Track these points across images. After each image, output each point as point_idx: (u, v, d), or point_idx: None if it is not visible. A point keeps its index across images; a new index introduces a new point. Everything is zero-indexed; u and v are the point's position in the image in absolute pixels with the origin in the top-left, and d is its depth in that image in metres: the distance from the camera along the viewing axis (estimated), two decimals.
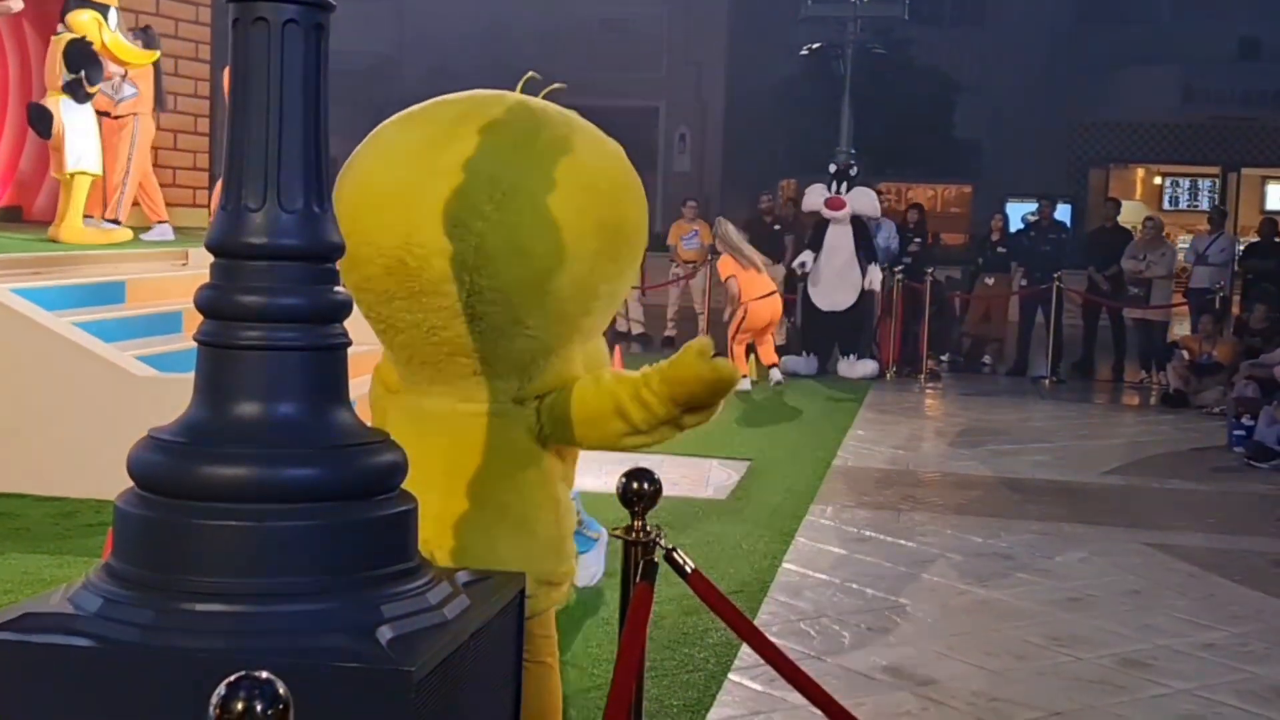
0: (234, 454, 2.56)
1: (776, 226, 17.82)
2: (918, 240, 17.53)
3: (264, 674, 1.59)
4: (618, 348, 15.91)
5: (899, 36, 22.52)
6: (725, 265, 13.48)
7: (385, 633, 2.47)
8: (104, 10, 9.81)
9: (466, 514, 3.09)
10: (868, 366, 15.24)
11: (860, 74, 16.68)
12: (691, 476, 9.24)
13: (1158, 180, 31.72)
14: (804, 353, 15.51)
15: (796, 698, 4.96)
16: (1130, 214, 21.12)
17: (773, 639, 5.30)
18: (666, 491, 8.27)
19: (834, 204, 15.18)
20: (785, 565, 7.11)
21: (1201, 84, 29.26)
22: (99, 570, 2.61)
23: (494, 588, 2.89)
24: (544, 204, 3.03)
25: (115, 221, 10.15)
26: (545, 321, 3.07)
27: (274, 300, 2.61)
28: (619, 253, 3.21)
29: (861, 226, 15.38)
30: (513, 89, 3.31)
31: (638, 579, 3.01)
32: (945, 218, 24.78)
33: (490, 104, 3.18)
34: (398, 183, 3.05)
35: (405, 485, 2.68)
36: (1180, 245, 19.91)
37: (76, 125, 9.37)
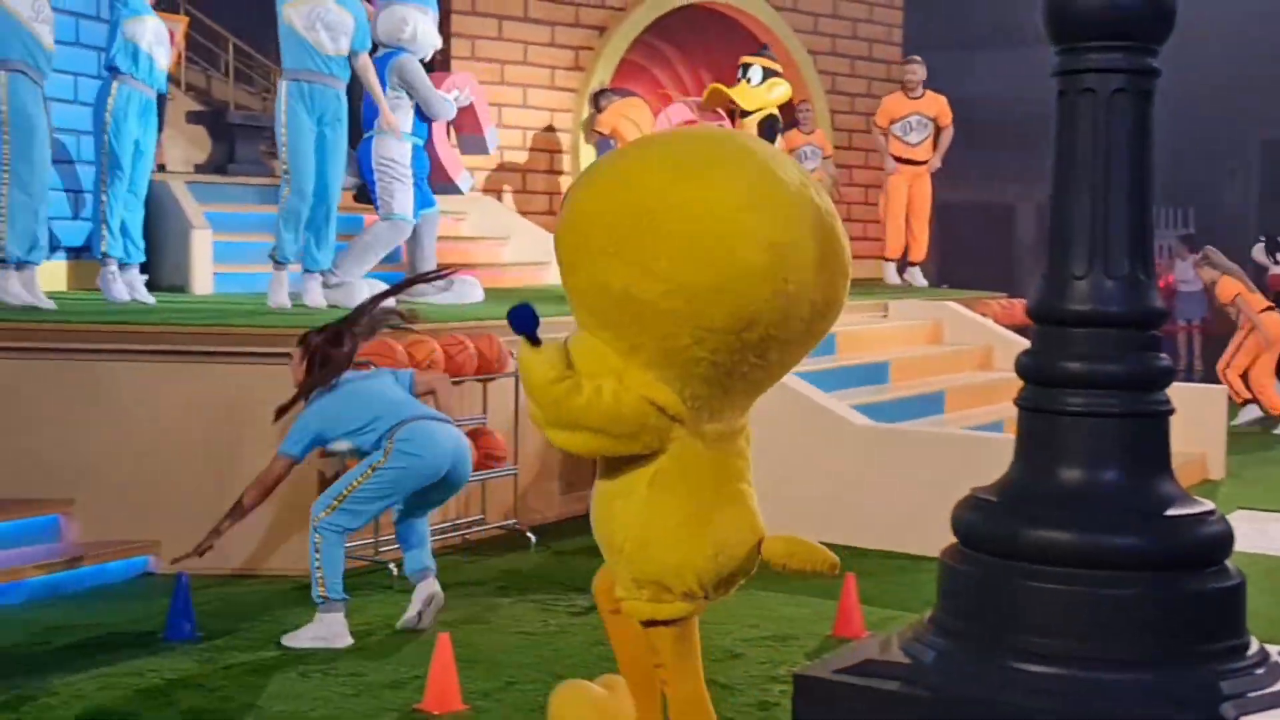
0: (1058, 518, 2.61)
1: None
2: None
3: None
4: None
5: None
6: (1226, 287, 12.13)
7: (1229, 710, 2.41)
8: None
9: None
10: None
11: None
12: None
13: None
14: None
15: None
16: None
17: None
18: None
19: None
20: None
21: None
22: (926, 623, 2.75)
23: None
24: None
25: None
26: None
27: (1096, 366, 2.64)
28: None
29: None
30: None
31: None
32: None
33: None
34: (829, 231, 2.88)
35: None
36: None
37: None
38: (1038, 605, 2.58)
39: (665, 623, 3.02)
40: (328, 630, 4.64)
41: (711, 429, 3.00)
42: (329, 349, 4.69)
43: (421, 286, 7.12)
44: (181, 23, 9.51)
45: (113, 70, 6.66)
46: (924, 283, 11.16)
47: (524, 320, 2.93)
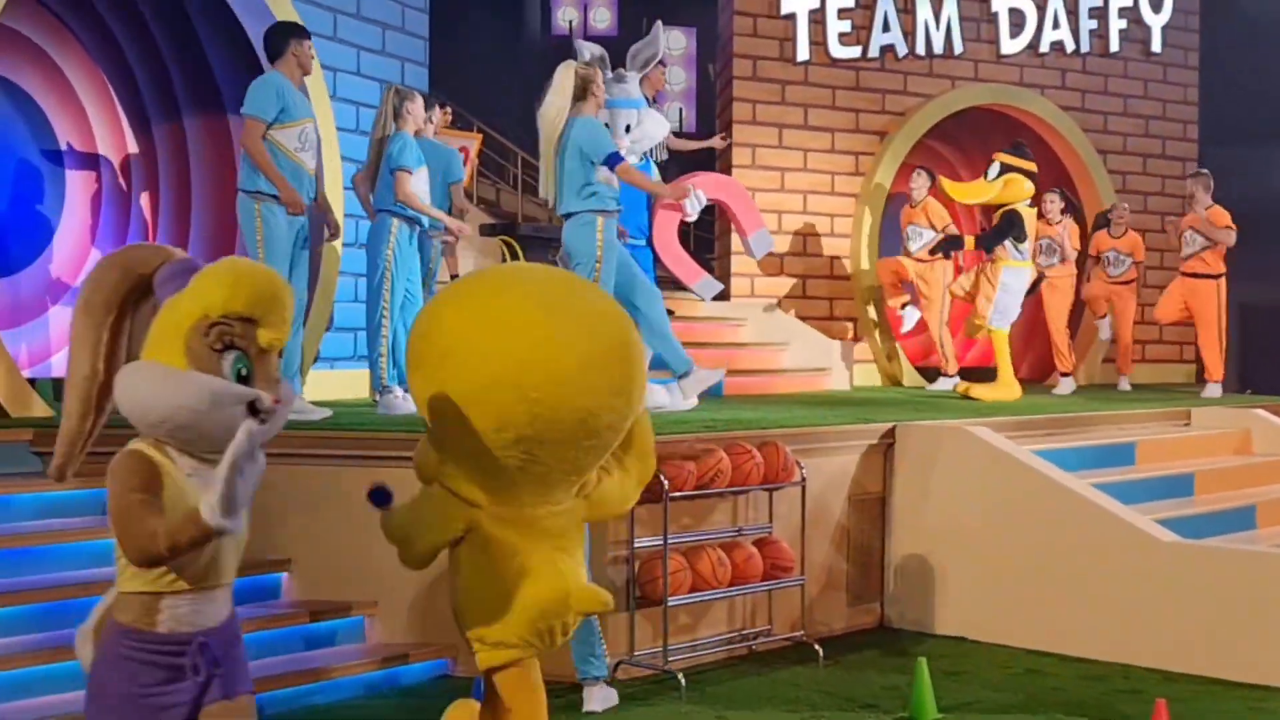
0: None
1: None
2: None
3: None
4: None
5: None
6: None
7: None
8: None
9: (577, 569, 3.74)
10: None
11: None
12: None
13: None
14: None
15: None
16: None
17: None
18: None
19: None
20: None
21: None
22: None
23: None
24: None
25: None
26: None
27: None
28: None
29: None
30: None
31: None
32: None
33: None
34: (587, 354, 3.46)
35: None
36: None
37: (1011, 284, 9.36)
38: None
39: (504, 667, 3.61)
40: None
41: (507, 511, 3.58)
42: None
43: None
44: (476, 140, 9.94)
45: (389, 211, 6.93)
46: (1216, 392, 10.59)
47: (381, 499, 3.63)
